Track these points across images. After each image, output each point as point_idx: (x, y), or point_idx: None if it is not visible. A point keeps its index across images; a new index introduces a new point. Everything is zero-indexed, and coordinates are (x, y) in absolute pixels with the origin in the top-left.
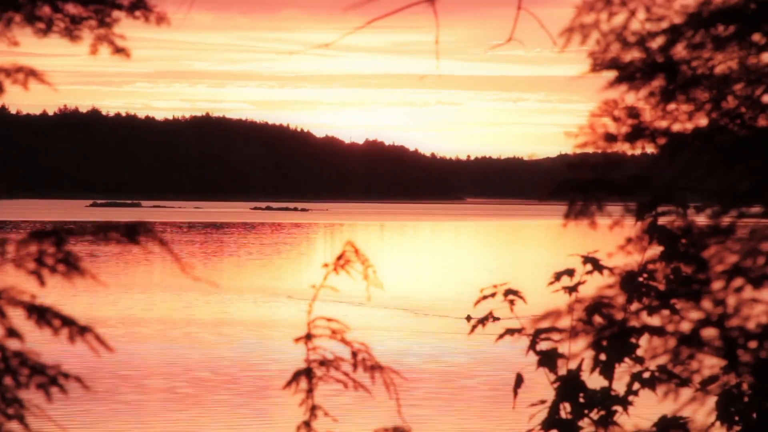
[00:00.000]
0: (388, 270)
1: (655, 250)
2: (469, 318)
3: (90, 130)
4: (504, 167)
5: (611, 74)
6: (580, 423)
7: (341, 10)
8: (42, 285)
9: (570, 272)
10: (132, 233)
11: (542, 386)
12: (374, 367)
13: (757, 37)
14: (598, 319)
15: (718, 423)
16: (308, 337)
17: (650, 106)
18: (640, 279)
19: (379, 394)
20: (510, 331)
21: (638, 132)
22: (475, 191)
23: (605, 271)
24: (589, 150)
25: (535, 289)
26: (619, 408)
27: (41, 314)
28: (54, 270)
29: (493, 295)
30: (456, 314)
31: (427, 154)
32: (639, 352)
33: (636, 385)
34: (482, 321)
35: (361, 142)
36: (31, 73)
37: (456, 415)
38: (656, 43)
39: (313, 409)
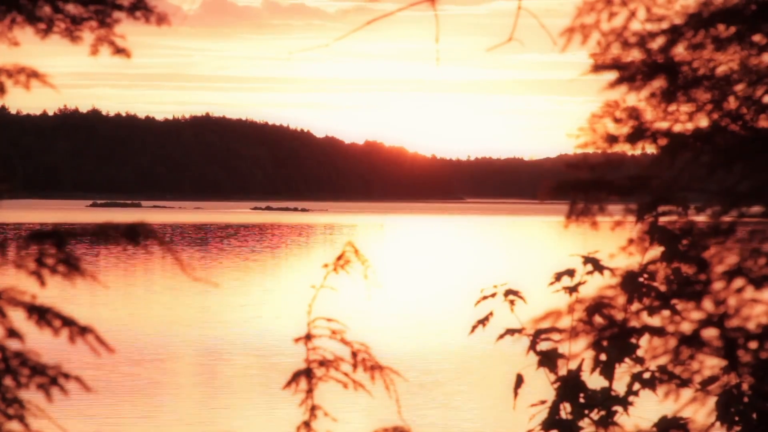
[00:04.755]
0: (387, 269)
1: (656, 250)
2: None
3: (90, 130)
4: (504, 168)
5: (612, 75)
6: (581, 423)
7: (344, 10)
8: (42, 285)
9: (570, 272)
10: (133, 234)
11: (542, 386)
12: (374, 368)
13: (757, 37)
14: (598, 319)
15: (718, 423)
16: (308, 337)
17: (651, 106)
18: (641, 279)
19: (378, 394)
20: (510, 331)
21: (639, 133)
22: (475, 191)
23: (606, 272)
24: (590, 150)
25: (533, 289)
26: (619, 408)
27: (42, 314)
28: (54, 270)
29: (493, 295)
30: (456, 314)
31: (427, 154)
32: (639, 352)
33: (636, 386)
34: (482, 321)
35: (361, 142)
36: (33, 74)
37: (456, 416)
38: (657, 44)
39: (313, 409)
